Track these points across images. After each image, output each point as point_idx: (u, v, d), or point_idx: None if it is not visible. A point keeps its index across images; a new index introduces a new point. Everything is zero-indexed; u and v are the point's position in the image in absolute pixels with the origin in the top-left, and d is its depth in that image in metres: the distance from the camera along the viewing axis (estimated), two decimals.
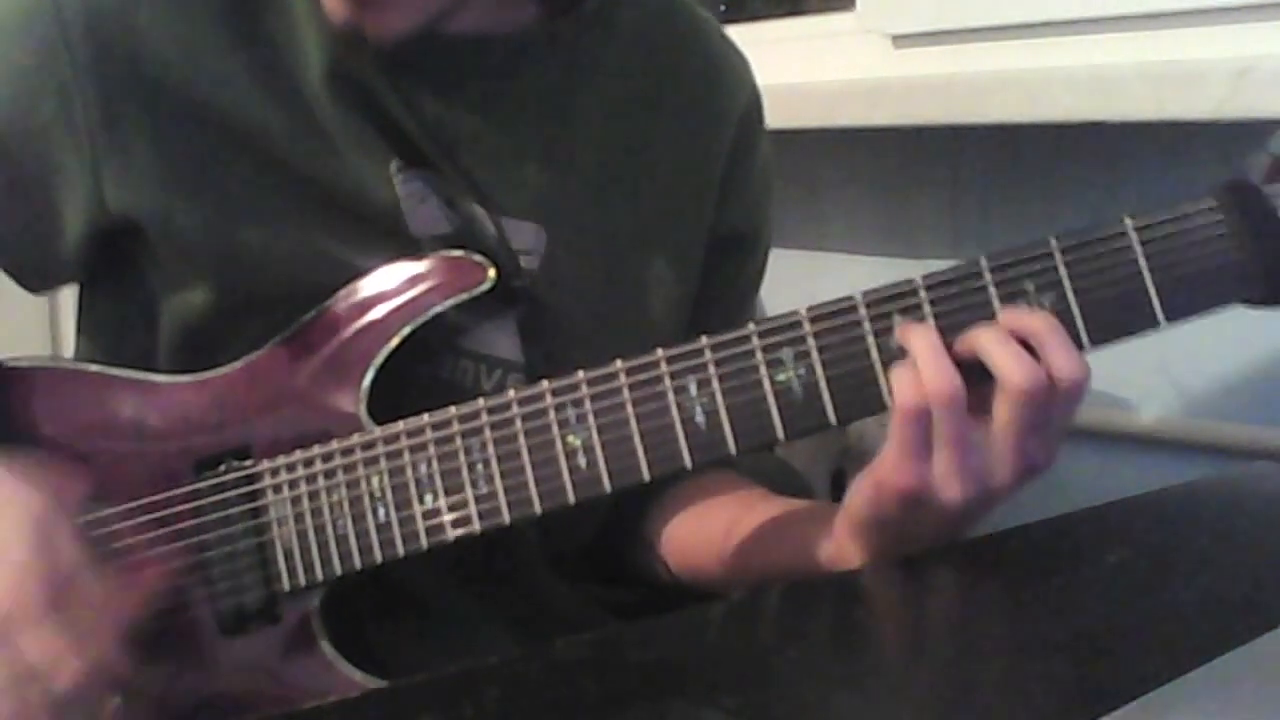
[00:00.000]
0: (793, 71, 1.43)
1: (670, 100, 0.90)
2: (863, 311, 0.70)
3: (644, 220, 0.88)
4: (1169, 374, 1.22)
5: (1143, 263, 0.68)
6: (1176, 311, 0.69)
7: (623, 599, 0.93)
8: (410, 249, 0.81)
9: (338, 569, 0.77)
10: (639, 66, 0.89)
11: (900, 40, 1.43)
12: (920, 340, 0.68)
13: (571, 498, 0.73)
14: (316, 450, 0.77)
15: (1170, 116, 1.08)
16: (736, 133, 0.93)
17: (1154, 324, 0.69)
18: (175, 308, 0.84)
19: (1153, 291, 0.68)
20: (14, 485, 0.72)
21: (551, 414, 0.73)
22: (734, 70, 0.95)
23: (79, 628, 0.68)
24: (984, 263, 0.69)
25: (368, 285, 0.80)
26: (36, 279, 0.89)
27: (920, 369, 0.67)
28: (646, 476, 0.72)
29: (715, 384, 0.71)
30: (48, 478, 0.74)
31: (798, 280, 0.98)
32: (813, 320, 0.71)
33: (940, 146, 1.36)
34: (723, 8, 1.74)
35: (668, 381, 0.72)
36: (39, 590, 0.68)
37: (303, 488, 0.78)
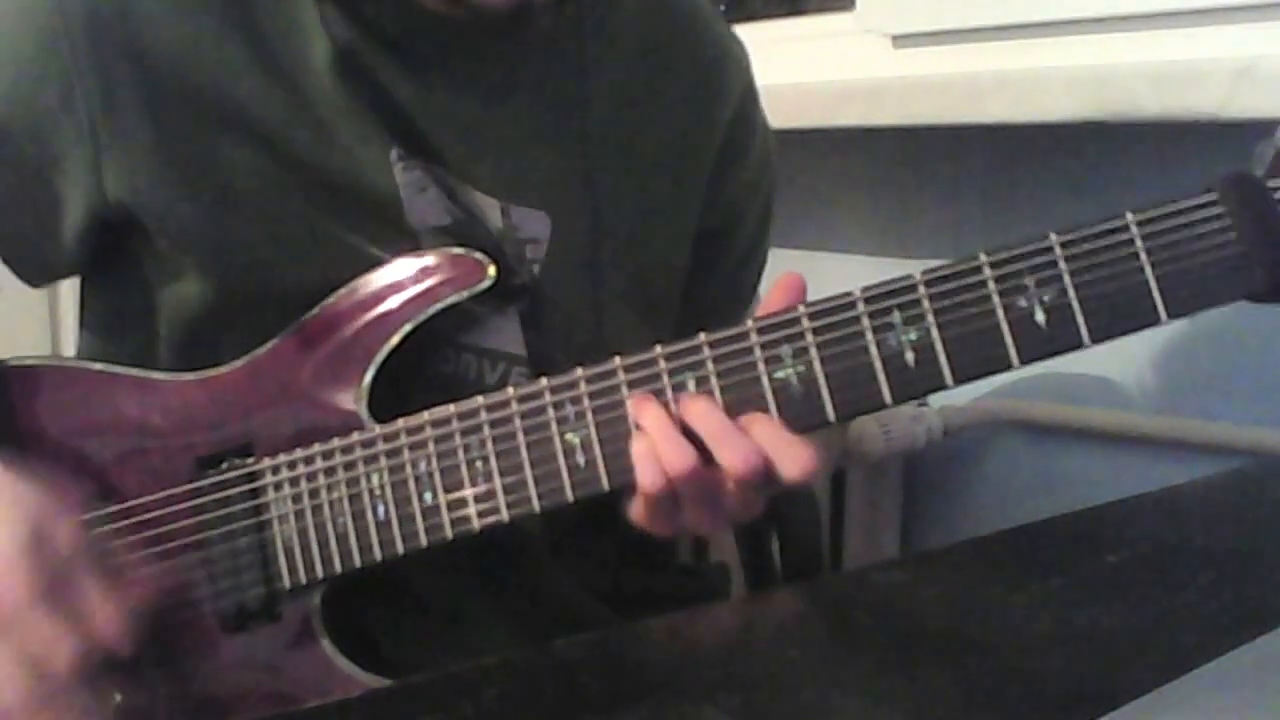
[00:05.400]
0: (793, 71, 1.43)
1: (669, 87, 0.90)
2: (861, 308, 0.70)
3: (644, 206, 0.89)
4: (1169, 374, 1.22)
5: (1144, 257, 0.67)
6: (1178, 307, 0.67)
7: (625, 588, 0.93)
8: (409, 240, 0.81)
9: (338, 567, 0.77)
10: (640, 53, 0.89)
11: (900, 40, 1.43)
12: (651, 418, 0.71)
13: (570, 495, 0.73)
14: (317, 448, 0.77)
15: (1170, 116, 1.08)
16: (730, 122, 0.93)
17: (1155, 320, 0.68)
18: (174, 302, 0.84)
19: (1154, 287, 0.67)
20: (9, 480, 0.74)
21: (550, 412, 0.73)
22: (732, 59, 0.95)
23: (76, 616, 0.70)
24: (983, 258, 0.69)
25: (369, 282, 0.80)
26: (35, 271, 0.88)
27: (657, 447, 0.70)
28: None
29: (713, 381, 0.71)
30: (45, 477, 0.75)
31: None
32: (811, 317, 0.70)
33: (940, 146, 1.37)
34: (722, 8, 1.74)
35: (665, 379, 0.72)
36: (36, 579, 0.70)
37: (303, 485, 0.78)
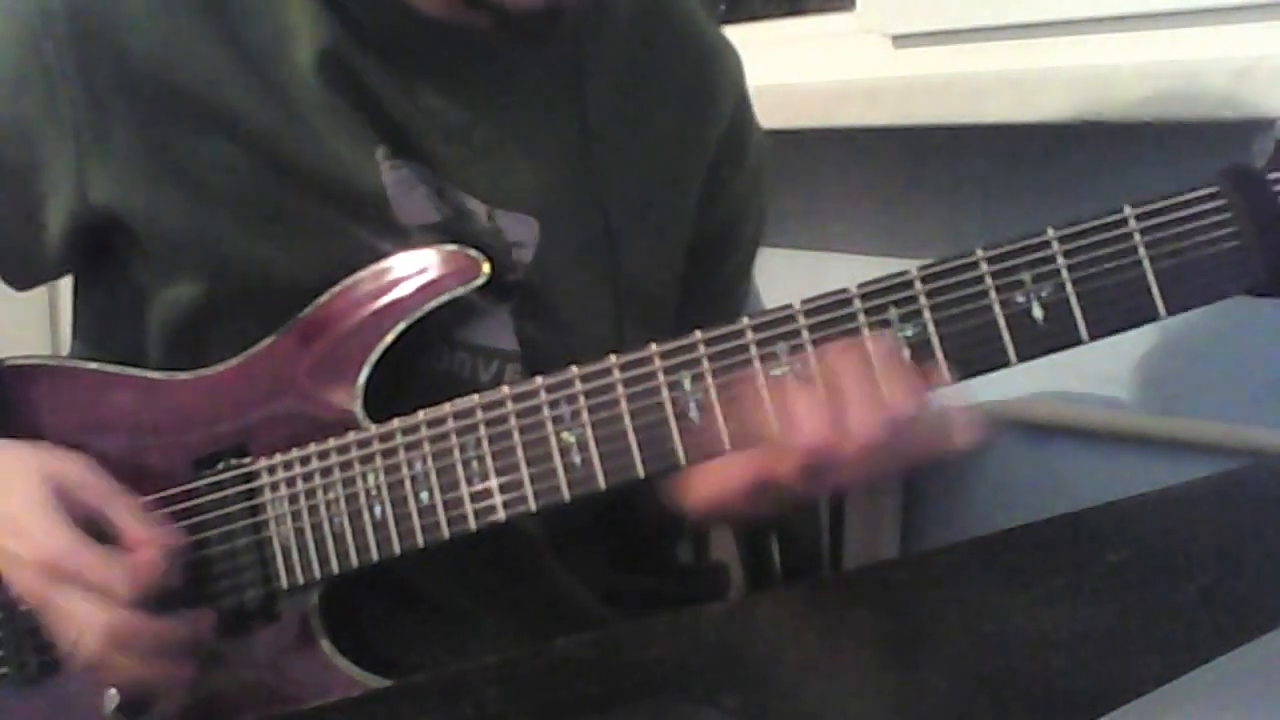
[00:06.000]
0: (793, 71, 1.43)
1: (664, 91, 0.90)
2: (857, 304, 0.70)
3: (640, 210, 0.89)
4: (1168, 374, 1.22)
5: (1143, 251, 0.66)
6: (1177, 302, 0.67)
7: (625, 588, 0.93)
8: (399, 238, 0.81)
9: (335, 567, 0.77)
10: (633, 61, 0.89)
11: (900, 40, 1.43)
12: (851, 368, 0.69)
13: (566, 495, 0.73)
14: (313, 448, 0.77)
15: (1170, 116, 1.08)
16: (725, 126, 0.93)
17: (1154, 315, 0.67)
18: (164, 304, 0.84)
19: (1153, 281, 0.66)
20: (10, 445, 0.78)
21: (546, 411, 0.73)
22: (726, 64, 0.95)
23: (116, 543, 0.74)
24: (980, 254, 0.69)
25: (362, 280, 0.80)
26: (20, 274, 0.89)
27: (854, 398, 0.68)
28: (641, 473, 0.72)
29: (709, 379, 0.71)
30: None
31: (798, 280, 0.98)
32: (807, 314, 0.70)
33: (940, 146, 1.36)
34: (723, 7, 1.73)
35: (661, 377, 0.71)
36: (67, 522, 0.74)
37: (300, 486, 0.78)
